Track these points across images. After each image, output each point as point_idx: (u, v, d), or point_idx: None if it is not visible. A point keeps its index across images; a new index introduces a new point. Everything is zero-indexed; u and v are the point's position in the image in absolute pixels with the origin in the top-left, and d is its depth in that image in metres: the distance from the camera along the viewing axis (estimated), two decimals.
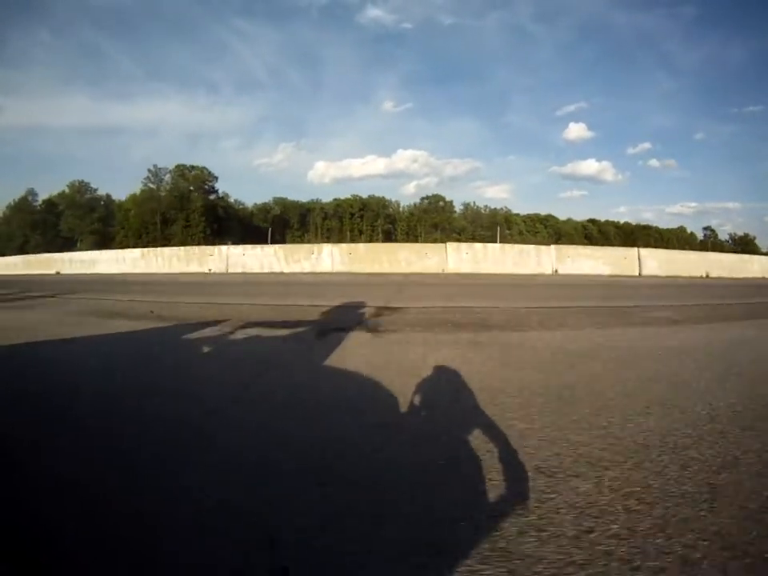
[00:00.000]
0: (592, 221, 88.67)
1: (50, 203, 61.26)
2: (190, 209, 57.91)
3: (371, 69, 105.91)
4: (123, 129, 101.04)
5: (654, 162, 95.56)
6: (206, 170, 62.04)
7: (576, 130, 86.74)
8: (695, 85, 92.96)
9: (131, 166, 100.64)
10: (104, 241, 53.56)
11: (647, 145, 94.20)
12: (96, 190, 63.25)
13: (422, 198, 71.09)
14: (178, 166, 60.48)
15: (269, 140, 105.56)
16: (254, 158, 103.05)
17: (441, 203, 68.98)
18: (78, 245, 55.20)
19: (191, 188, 60.88)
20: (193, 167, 61.25)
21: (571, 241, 75.67)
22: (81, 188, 62.00)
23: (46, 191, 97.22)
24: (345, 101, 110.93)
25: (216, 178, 63.95)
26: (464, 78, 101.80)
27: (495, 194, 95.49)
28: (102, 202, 62.77)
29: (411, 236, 63.07)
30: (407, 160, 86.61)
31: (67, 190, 61.21)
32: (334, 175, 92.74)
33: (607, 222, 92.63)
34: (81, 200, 60.33)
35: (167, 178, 60.98)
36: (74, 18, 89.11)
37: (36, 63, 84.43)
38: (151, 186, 60.38)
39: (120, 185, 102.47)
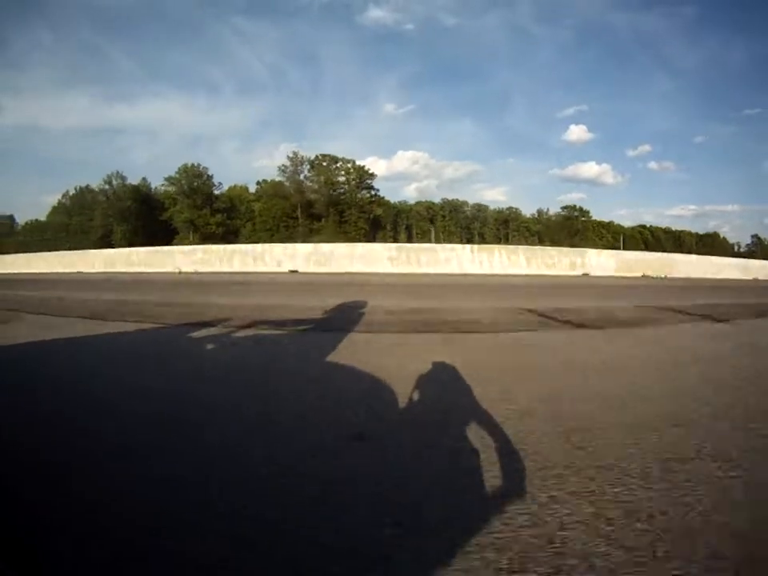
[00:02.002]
0: (643, 226, 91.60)
1: (135, 190, 54.72)
2: (344, 203, 54.11)
3: (373, 70, 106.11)
4: (123, 130, 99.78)
5: (653, 165, 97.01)
6: (352, 162, 56.67)
7: (576, 133, 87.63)
8: (695, 87, 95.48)
9: (132, 166, 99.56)
10: (225, 234, 48.89)
11: (647, 147, 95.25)
12: (211, 176, 55.31)
13: (562, 207, 73.17)
14: (319, 157, 55.19)
15: (270, 141, 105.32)
16: (255, 159, 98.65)
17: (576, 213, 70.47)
18: (192, 237, 49.27)
19: (344, 181, 56.03)
20: (335, 158, 55.77)
21: (636, 245, 78.22)
22: (194, 172, 54.35)
23: (48, 191, 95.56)
24: (346, 102, 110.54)
25: (374, 175, 59.13)
26: (465, 79, 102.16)
27: (494, 197, 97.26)
28: (219, 190, 55.62)
29: (500, 238, 64.64)
30: (407, 162, 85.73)
31: (177, 174, 54.06)
32: None
33: (653, 227, 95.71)
34: (197, 186, 53.52)
35: (305, 168, 55.57)
36: (75, 18, 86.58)
37: (35, 64, 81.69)
38: (282, 178, 54.99)
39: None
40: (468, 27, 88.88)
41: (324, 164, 55.11)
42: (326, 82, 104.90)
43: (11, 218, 61.20)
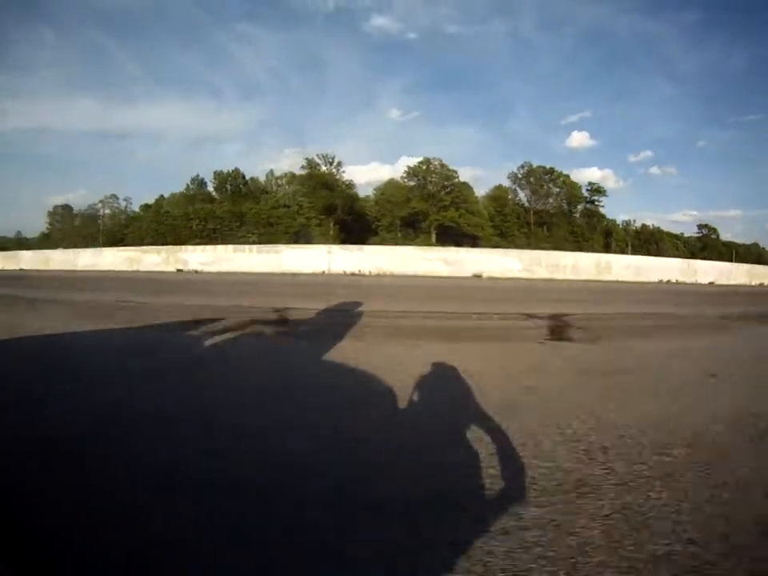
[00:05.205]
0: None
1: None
2: (574, 212, 55.00)
3: (377, 77, 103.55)
4: (126, 133, 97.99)
5: (655, 170, 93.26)
6: (566, 176, 55.17)
7: (579, 139, 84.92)
8: (697, 93, 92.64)
9: (133, 169, 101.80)
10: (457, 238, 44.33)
11: (649, 152, 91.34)
12: (455, 173, 49.19)
13: (698, 226, 72.03)
14: (535, 169, 53.33)
15: (273, 145, 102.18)
16: (259, 162, 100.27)
17: None
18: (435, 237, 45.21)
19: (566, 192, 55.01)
20: (553, 170, 53.79)
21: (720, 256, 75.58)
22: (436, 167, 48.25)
23: (51, 193, 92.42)
24: (350, 108, 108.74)
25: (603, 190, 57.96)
26: (468, 87, 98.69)
27: None
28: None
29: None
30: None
31: (421, 163, 47.52)
32: None
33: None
34: (435, 181, 48.40)
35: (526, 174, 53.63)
36: (79, 21, 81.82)
37: (40, 66, 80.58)
38: (507, 182, 53.72)
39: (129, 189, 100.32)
40: (471, 36, 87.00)
41: (540, 174, 54.68)
42: (329, 87, 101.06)
43: None
